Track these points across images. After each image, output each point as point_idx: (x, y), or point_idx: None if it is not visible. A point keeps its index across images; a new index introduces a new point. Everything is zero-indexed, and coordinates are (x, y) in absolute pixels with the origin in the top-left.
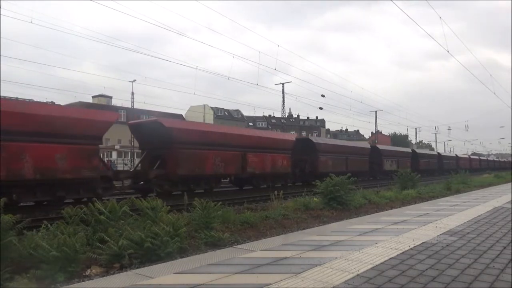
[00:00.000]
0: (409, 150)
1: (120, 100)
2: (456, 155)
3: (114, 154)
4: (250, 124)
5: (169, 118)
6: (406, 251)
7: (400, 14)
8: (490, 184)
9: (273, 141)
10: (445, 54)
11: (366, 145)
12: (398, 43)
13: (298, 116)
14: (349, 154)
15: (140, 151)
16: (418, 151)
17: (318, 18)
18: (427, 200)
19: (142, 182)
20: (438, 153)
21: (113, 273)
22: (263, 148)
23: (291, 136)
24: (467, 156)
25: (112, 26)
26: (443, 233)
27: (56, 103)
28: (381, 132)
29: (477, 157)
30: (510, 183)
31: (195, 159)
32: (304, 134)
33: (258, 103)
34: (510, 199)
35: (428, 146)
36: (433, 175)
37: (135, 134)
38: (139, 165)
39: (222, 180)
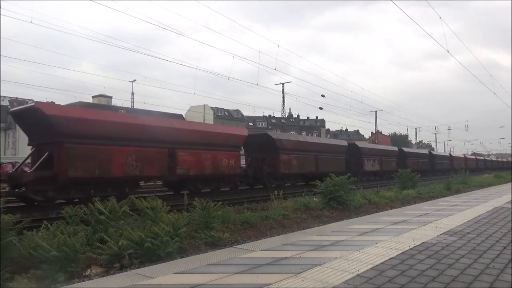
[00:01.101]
0: (395, 148)
1: (120, 100)
2: (450, 154)
3: None
4: (250, 124)
5: (169, 118)
6: (406, 251)
7: (398, 14)
8: (490, 184)
9: (215, 136)
10: (443, 54)
11: (342, 142)
12: (397, 43)
13: (298, 116)
14: (319, 153)
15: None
16: (405, 149)
17: (316, 18)
18: (427, 200)
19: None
20: (430, 152)
21: (113, 273)
22: (201, 145)
23: (242, 130)
24: (462, 156)
25: (111, 26)
26: (443, 233)
27: (56, 103)
28: (381, 132)
29: (473, 157)
30: (510, 183)
31: (95, 157)
32: (304, 134)
33: (257, 103)
34: (510, 199)
35: (428, 146)
36: (424, 175)
37: (22, 126)
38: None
39: (143, 184)
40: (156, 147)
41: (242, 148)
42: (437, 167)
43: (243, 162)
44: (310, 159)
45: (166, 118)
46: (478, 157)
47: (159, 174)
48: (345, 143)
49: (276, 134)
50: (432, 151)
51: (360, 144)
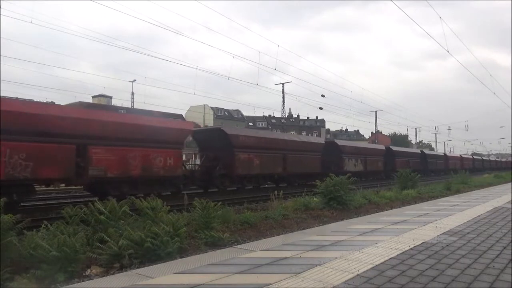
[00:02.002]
0: (381, 147)
1: (120, 100)
2: (444, 153)
3: None
4: (250, 124)
5: (170, 118)
6: (406, 251)
7: (396, 13)
8: (490, 184)
9: (145, 129)
10: (442, 54)
11: (318, 140)
12: (396, 43)
13: (298, 116)
14: (289, 151)
15: None
16: (394, 148)
17: (315, 18)
18: (427, 200)
19: None
20: (422, 151)
21: (113, 273)
22: (125, 140)
23: (185, 124)
24: (457, 156)
25: (109, 25)
26: (443, 233)
27: (56, 103)
28: (381, 132)
29: (470, 156)
30: (510, 183)
31: None
32: (304, 133)
33: (257, 103)
34: (510, 199)
35: (428, 146)
36: None
37: None
38: None
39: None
40: (57, 142)
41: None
42: (431, 168)
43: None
44: (276, 159)
45: (77, 107)
46: (475, 157)
47: (62, 176)
48: (321, 140)
49: (231, 129)
50: (424, 150)
51: (340, 142)
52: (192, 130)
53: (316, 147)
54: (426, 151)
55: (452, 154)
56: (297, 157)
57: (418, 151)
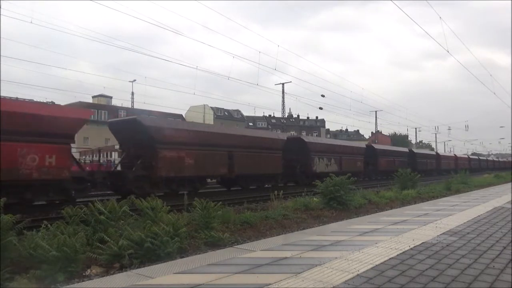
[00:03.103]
0: (361, 145)
1: (120, 100)
2: (437, 153)
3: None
4: (250, 124)
5: (170, 118)
6: (406, 251)
7: (395, 13)
8: (490, 184)
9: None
10: (442, 54)
11: (279, 135)
12: (395, 43)
13: (298, 116)
14: (236, 148)
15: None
16: (377, 147)
17: (313, 18)
18: (427, 200)
19: None
20: (410, 150)
21: (113, 273)
22: None
23: (74, 111)
24: (452, 155)
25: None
26: (443, 233)
27: (56, 103)
28: (381, 132)
29: (466, 156)
30: (510, 183)
31: None
32: (304, 134)
33: (257, 103)
34: (510, 199)
35: (428, 146)
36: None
37: None
38: None
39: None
40: None
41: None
42: (420, 168)
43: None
44: (219, 157)
45: None
46: (471, 157)
47: None
48: (282, 136)
49: (151, 120)
50: (413, 149)
51: (307, 138)
52: (84, 119)
53: (274, 144)
54: (415, 150)
55: (445, 153)
56: (250, 156)
57: (406, 149)
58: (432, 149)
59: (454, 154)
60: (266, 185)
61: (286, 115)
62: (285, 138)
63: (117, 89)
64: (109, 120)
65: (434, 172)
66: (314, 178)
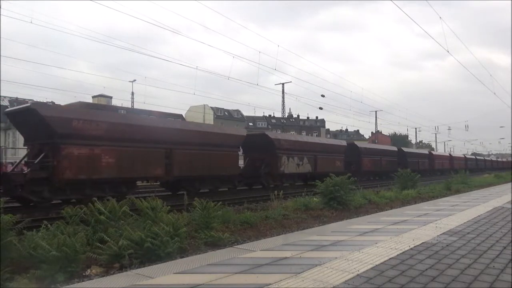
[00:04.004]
0: (341, 142)
1: (120, 100)
2: (429, 152)
3: None
4: (250, 124)
5: (170, 118)
6: (406, 251)
7: (393, 13)
8: (490, 184)
9: None
10: (441, 54)
11: (237, 131)
12: (394, 43)
13: (298, 116)
14: (176, 145)
15: None
16: (360, 145)
17: (311, 18)
18: (427, 200)
19: None
20: (399, 148)
21: (113, 273)
22: None
23: None
24: (446, 155)
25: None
26: (443, 233)
27: (56, 103)
28: (381, 132)
29: (462, 156)
30: (510, 183)
31: None
32: (304, 134)
33: (257, 103)
34: (510, 199)
35: (428, 146)
36: (391, 179)
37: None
38: None
39: None
40: None
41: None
42: (412, 168)
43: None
44: (153, 156)
45: None
46: (468, 156)
47: None
48: (241, 132)
49: (51, 109)
50: (403, 148)
51: (273, 134)
52: None
53: (230, 141)
54: (405, 149)
55: (438, 153)
56: (194, 154)
57: (394, 148)
58: (433, 149)
59: (449, 154)
60: (221, 189)
61: (286, 115)
62: (244, 134)
63: (117, 89)
64: (6, 110)
65: (427, 172)
66: (282, 180)
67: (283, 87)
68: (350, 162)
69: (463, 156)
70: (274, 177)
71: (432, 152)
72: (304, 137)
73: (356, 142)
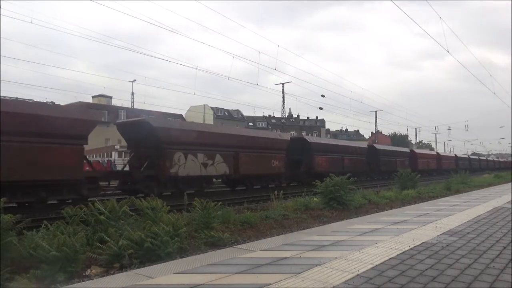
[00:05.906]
0: (283, 136)
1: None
2: (411, 150)
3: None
4: (250, 124)
5: (170, 118)
6: (406, 251)
7: (392, 13)
8: (490, 184)
9: None
10: (440, 54)
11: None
12: (393, 43)
13: (298, 116)
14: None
15: None
16: (312, 140)
17: (310, 17)
18: (427, 200)
19: None
20: (371, 146)
21: (113, 273)
22: None
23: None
24: (433, 154)
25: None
26: (443, 233)
27: (56, 103)
28: (381, 132)
29: (453, 155)
30: (510, 183)
31: None
32: (304, 134)
33: (256, 103)
34: (510, 199)
35: (428, 146)
36: (364, 181)
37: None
38: None
39: None
40: None
41: None
42: (384, 168)
43: None
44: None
45: None
46: (459, 155)
47: None
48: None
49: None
50: (375, 145)
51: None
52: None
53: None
54: (378, 146)
55: (422, 151)
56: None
57: (364, 145)
58: (432, 149)
59: (437, 153)
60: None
61: (286, 115)
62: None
63: (117, 89)
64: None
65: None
66: (174, 185)
67: (283, 87)
68: (297, 160)
69: (453, 155)
70: (161, 182)
71: (415, 150)
72: (214, 127)
73: (311, 137)
